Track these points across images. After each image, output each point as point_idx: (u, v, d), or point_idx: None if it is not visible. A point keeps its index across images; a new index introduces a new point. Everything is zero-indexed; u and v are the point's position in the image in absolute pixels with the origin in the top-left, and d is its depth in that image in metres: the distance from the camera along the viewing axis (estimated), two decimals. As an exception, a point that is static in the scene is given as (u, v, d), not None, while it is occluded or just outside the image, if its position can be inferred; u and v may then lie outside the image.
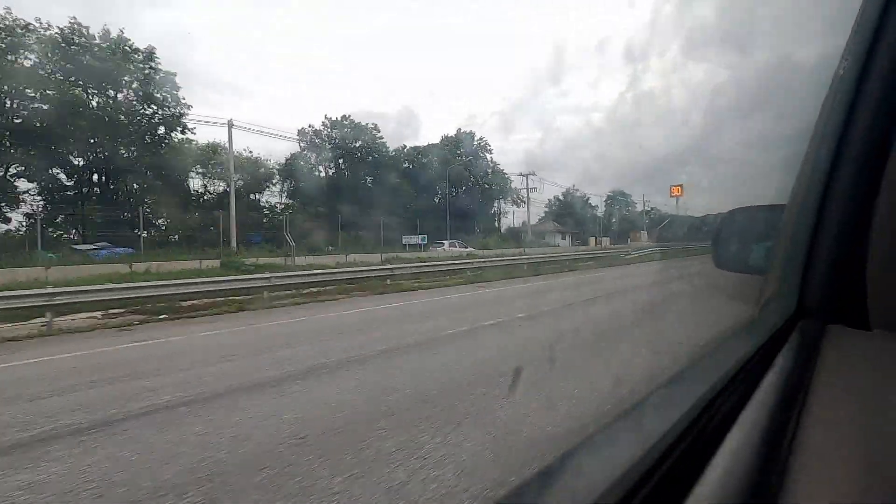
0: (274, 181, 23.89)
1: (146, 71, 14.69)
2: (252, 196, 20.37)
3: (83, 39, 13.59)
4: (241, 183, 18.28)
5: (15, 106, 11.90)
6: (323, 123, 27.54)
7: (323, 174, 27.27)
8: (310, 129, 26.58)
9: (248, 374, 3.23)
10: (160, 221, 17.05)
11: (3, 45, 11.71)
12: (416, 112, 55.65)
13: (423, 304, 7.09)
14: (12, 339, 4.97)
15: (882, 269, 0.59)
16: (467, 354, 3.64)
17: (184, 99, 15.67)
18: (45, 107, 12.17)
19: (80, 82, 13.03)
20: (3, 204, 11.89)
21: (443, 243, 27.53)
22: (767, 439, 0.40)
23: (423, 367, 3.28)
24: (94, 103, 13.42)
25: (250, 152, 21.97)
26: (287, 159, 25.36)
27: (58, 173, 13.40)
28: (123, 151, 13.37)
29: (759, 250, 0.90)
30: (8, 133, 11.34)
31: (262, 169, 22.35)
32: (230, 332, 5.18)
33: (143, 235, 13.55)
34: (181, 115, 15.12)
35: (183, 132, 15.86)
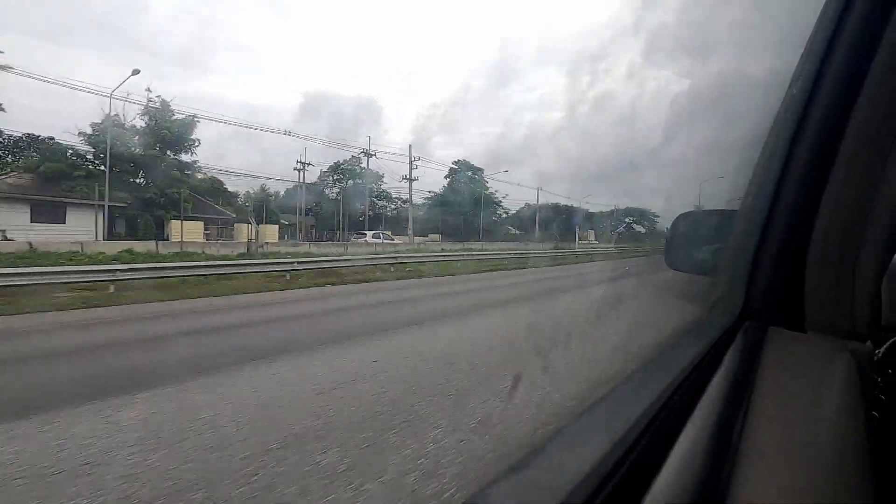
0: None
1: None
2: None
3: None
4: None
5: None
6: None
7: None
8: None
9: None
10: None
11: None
12: (375, 99, 53.88)
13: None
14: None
15: (817, 277, 0.68)
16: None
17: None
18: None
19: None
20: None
21: (365, 234, 26.28)
22: (717, 435, 0.44)
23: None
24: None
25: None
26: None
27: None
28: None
29: (708, 253, 0.99)
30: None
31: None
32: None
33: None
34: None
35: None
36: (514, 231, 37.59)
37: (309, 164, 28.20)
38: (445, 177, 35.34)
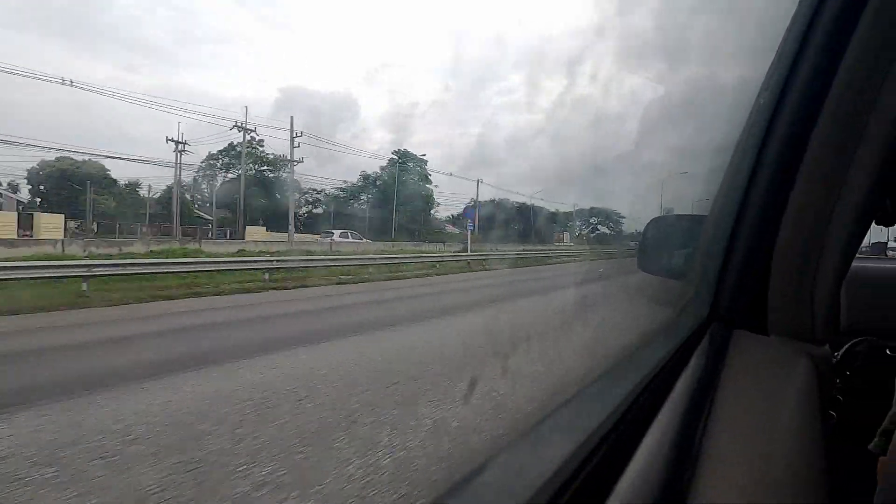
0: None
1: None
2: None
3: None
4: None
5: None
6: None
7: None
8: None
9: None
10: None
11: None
12: (353, 97, 53.20)
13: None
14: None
15: (780, 282, 0.71)
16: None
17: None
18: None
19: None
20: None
21: (332, 233, 25.52)
22: (681, 435, 0.45)
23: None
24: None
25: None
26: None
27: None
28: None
29: (679, 257, 1.01)
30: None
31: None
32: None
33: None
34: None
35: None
36: (452, 230, 36.31)
37: (186, 144, 25.44)
38: (382, 168, 34.17)
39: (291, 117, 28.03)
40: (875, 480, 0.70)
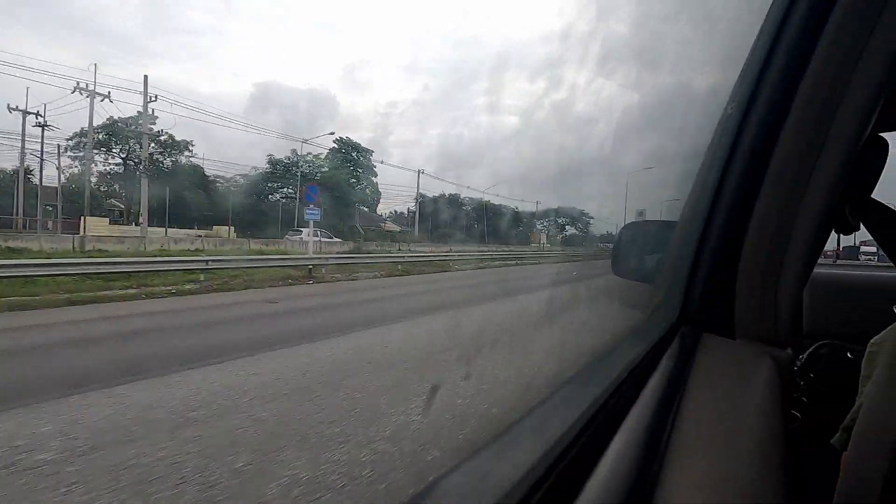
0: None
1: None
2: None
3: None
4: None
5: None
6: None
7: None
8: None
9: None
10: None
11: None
12: (331, 94, 52.08)
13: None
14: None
15: (745, 287, 0.74)
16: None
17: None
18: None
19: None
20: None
21: (300, 231, 24.59)
22: (649, 435, 0.47)
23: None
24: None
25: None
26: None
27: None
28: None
29: (651, 261, 1.03)
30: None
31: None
32: None
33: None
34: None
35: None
36: (394, 228, 34.09)
37: (46, 123, 20.22)
38: (316, 156, 31.66)
39: (145, 76, 21.66)
40: (838, 475, 0.73)
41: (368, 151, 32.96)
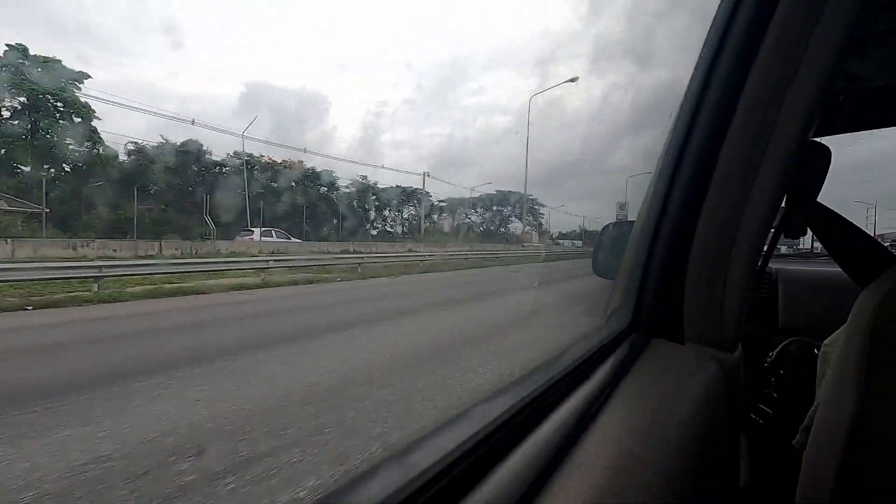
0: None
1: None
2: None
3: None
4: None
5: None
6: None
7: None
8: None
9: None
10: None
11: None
12: (321, 94, 50.65)
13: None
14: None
15: (693, 292, 0.77)
16: None
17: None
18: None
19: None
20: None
21: (252, 231, 23.41)
22: (555, 445, 0.49)
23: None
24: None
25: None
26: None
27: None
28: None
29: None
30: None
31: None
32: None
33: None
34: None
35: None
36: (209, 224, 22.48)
37: None
38: None
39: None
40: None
41: (54, 62, 20.93)
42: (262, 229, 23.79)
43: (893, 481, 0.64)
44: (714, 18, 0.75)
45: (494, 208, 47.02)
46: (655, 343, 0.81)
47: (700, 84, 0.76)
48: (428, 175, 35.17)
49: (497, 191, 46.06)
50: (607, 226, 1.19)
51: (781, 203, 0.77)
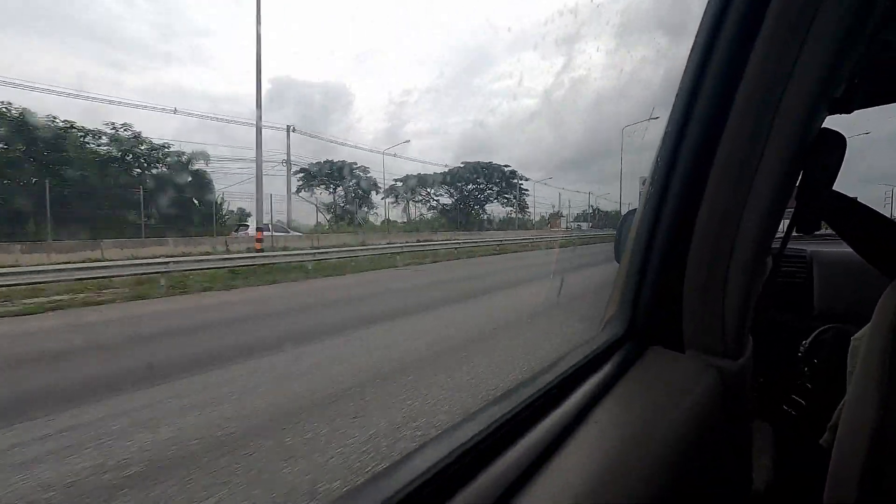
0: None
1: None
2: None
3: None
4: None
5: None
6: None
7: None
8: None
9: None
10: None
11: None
12: (345, 86, 50.85)
13: None
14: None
15: (692, 299, 0.75)
16: None
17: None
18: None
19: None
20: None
21: (247, 225, 23.18)
22: (539, 453, 0.51)
23: None
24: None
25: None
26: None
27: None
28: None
29: None
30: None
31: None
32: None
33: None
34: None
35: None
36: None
37: None
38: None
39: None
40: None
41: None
42: (259, 227, 23.57)
43: None
44: (706, 8, 0.70)
45: (465, 186, 40.20)
46: (653, 351, 0.78)
47: (695, 71, 0.71)
48: (294, 130, 25.74)
49: (463, 163, 40.17)
50: (630, 211, 1.15)
51: (791, 196, 0.73)
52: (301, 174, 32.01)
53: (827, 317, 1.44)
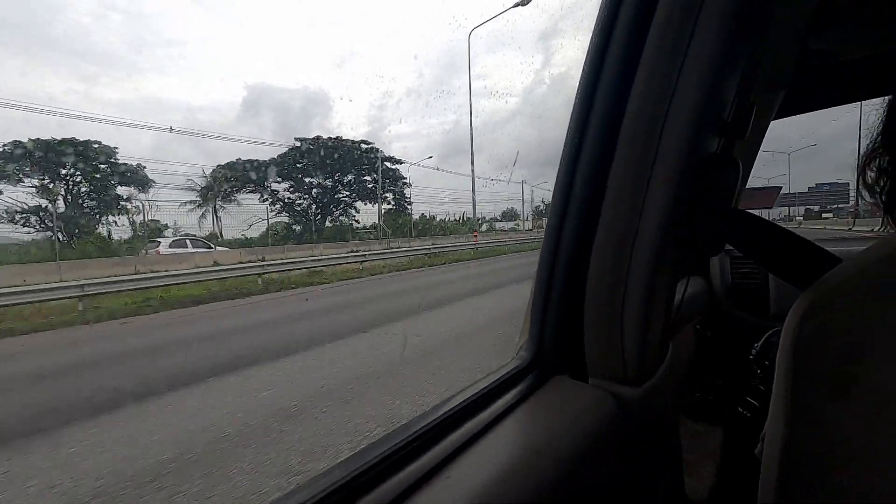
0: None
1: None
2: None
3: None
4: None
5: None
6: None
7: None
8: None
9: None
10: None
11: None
12: (324, 90, 54.97)
13: None
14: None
15: (592, 327, 0.74)
16: None
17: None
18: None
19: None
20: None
21: (157, 241, 21.16)
22: (430, 468, 0.54)
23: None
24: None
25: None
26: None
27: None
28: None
29: None
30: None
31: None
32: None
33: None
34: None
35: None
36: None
37: None
38: None
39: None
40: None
41: None
42: (175, 239, 21.40)
43: None
44: (596, 20, 0.70)
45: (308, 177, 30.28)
46: (556, 380, 0.78)
47: (589, 83, 0.70)
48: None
49: (298, 139, 30.43)
50: None
51: (700, 221, 0.73)
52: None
53: (782, 318, 1.50)
